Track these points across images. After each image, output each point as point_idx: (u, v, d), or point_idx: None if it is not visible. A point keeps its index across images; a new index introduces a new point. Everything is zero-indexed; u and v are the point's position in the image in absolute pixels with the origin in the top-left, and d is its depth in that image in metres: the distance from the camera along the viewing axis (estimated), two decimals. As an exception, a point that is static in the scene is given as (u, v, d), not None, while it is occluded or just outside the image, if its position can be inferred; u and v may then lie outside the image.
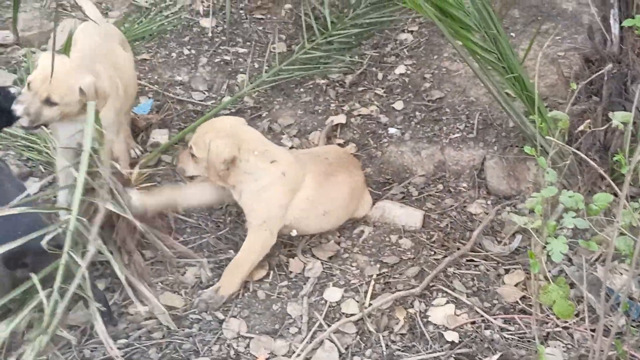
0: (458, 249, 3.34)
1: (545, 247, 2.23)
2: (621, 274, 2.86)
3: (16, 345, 2.66)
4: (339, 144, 3.96)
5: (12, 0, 3.69)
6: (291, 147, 3.93)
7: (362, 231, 3.48)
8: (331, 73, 4.49)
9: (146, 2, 5.07)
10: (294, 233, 3.30)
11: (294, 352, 2.87)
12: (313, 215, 3.29)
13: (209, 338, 2.94)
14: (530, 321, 2.90)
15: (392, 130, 4.03)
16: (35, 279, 2.58)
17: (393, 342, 2.94)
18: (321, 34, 4.53)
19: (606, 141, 3.27)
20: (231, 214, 3.51)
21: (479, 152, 3.78)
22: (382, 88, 4.35)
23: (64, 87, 2.94)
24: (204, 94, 4.40)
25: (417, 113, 4.10)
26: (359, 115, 4.17)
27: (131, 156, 3.67)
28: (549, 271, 2.94)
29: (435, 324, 3.00)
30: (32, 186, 3.26)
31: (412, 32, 4.76)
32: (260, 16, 5.05)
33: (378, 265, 3.28)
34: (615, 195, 2.23)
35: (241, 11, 5.09)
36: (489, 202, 3.62)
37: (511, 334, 2.93)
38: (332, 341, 2.91)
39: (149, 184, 3.41)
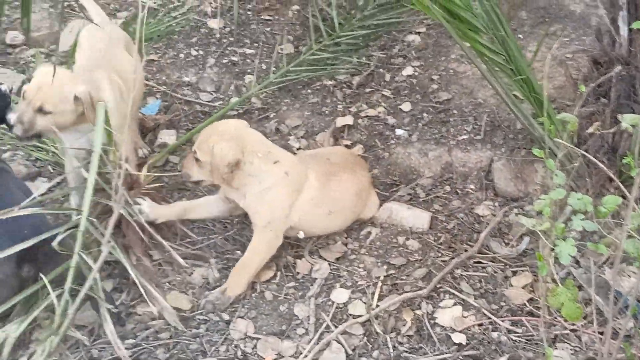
0: (465, 250, 3.33)
1: (553, 249, 2.23)
2: (629, 276, 2.85)
3: (23, 345, 2.68)
4: (346, 145, 3.96)
5: (21, 1, 3.70)
6: (298, 148, 3.94)
7: (370, 232, 3.48)
8: (338, 74, 4.50)
9: (154, 3, 5.08)
10: (301, 235, 3.31)
11: (301, 353, 2.87)
12: (318, 216, 3.29)
13: (216, 339, 2.95)
14: (538, 323, 2.90)
15: (399, 132, 4.03)
16: (45, 279, 2.59)
17: (400, 343, 2.94)
18: (329, 36, 4.53)
19: (614, 143, 3.27)
20: (239, 215, 3.52)
21: (486, 153, 3.78)
22: (390, 89, 4.35)
23: (57, 96, 2.97)
24: (212, 94, 4.41)
25: (425, 114, 4.10)
26: (366, 116, 4.17)
27: (139, 156, 3.68)
28: (557, 273, 2.94)
29: (442, 326, 3.00)
30: (41, 187, 3.29)
31: (419, 33, 4.77)
32: (267, 17, 5.06)
33: (385, 267, 3.28)
34: (624, 197, 2.22)
35: (249, 12, 5.10)
36: (496, 204, 3.61)
37: (518, 336, 2.93)
38: (339, 342, 2.92)
39: (157, 185, 3.41)
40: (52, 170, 3.75)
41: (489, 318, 3.01)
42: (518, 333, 2.95)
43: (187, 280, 3.20)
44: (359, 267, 3.29)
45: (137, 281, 2.77)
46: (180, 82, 4.47)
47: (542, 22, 4.51)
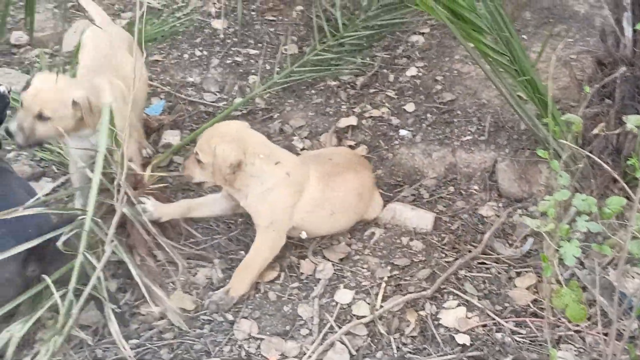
0: (469, 251, 3.33)
1: (558, 250, 2.23)
2: (634, 277, 2.85)
3: (27, 345, 2.68)
4: (350, 146, 3.96)
5: (26, 1, 3.71)
6: (302, 149, 3.94)
7: (373, 233, 3.48)
8: (342, 75, 4.50)
9: (158, 3, 5.09)
10: (304, 235, 3.31)
11: (304, 354, 2.88)
12: (320, 216, 3.29)
13: (220, 339, 2.95)
14: (542, 324, 2.90)
15: (403, 132, 4.03)
16: (48, 280, 2.60)
17: (404, 344, 2.94)
18: (332, 36, 4.54)
19: (619, 144, 3.27)
20: (242, 216, 3.52)
21: (490, 154, 3.78)
22: (394, 90, 4.35)
23: (56, 101, 2.97)
24: (216, 95, 4.42)
25: (429, 115, 4.10)
26: (370, 117, 4.17)
27: (143, 156, 3.68)
28: (561, 275, 2.94)
29: (446, 327, 3.00)
30: (45, 187, 3.30)
31: (423, 34, 4.77)
32: (271, 18, 5.06)
33: (389, 268, 3.28)
34: (629, 198, 2.22)
35: (253, 13, 5.11)
36: (500, 205, 3.61)
37: (522, 337, 2.93)
38: (343, 343, 2.92)
39: (161, 185, 3.42)
40: (56, 170, 3.76)
41: (493, 319, 3.01)
42: (522, 334, 2.95)
43: (191, 281, 3.21)
44: (363, 268, 3.29)
45: (139, 281, 2.77)
46: (184, 83, 4.48)
47: (546, 23, 4.51)
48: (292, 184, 3.20)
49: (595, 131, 2.57)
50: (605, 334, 2.56)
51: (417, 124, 4.07)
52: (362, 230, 3.50)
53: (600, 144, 3.24)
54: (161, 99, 4.32)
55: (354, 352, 2.89)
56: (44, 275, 2.62)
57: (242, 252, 3.33)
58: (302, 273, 3.28)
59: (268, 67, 4.57)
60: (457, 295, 3.13)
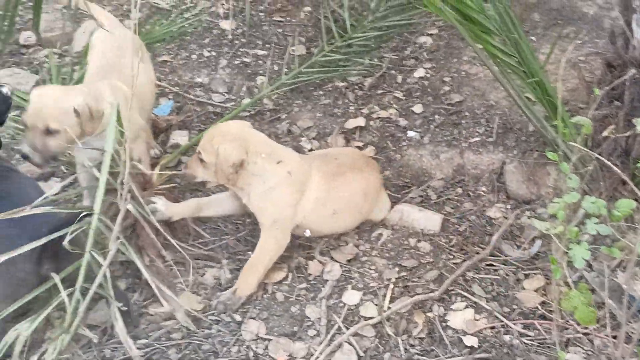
0: (477, 253, 3.33)
1: (567, 252, 2.22)
2: (642, 280, 2.84)
3: (36, 344, 2.69)
4: (358, 147, 3.96)
5: (34, 1, 3.73)
6: (310, 150, 3.94)
7: (381, 234, 3.48)
8: (350, 76, 4.50)
9: (167, 4, 5.10)
10: (307, 233, 3.31)
11: (312, 355, 2.88)
12: (323, 215, 3.30)
13: (228, 339, 2.96)
14: (550, 327, 2.90)
15: (411, 134, 4.03)
16: (57, 278, 2.61)
17: (412, 346, 2.94)
18: (340, 37, 4.53)
19: (628, 147, 3.25)
20: (250, 216, 3.52)
21: (498, 156, 3.77)
22: (402, 91, 4.35)
23: (59, 113, 2.96)
24: (224, 95, 4.42)
25: (437, 116, 4.10)
26: (378, 118, 4.17)
27: (151, 157, 3.69)
28: (569, 277, 2.93)
29: (454, 329, 2.99)
30: (54, 187, 3.30)
31: (431, 35, 4.76)
32: (279, 19, 5.07)
33: (397, 269, 3.28)
34: (638, 201, 2.22)
35: (261, 14, 5.11)
36: (508, 207, 3.60)
37: (531, 340, 2.92)
38: (350, 344, 2.92)
39: (169, 185, 3.42)
40: (65, 170, 3.77)
41: (501, 321, 3.01)
42: (530, 336, 2.94)
43: (199, 281, 3.21)
44: (371, 269, 3.29)
45: (149, 280, 2.78)
46: (193, 83, 4.48)
47: (555, 25, 4.50)
48: (294, 182, 3.21)
49: (605, 133, 2.55)
50: (614, 337, 2.55)
51: (425, 125, 4.06)
52: (369, 231, 3.50)
53: (610, 146, 3.23)
54: (169, 99, 4.32)
55: (361, 354, 2.89)
56: (52, 274, 2.63)
57: (250, 252, 3.33)
58: (309, 274, 3.28)
59: (276, 68, 4.57)
60: (465, 297, 3.13)
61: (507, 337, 2.94)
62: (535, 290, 3.14)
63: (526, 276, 3.22)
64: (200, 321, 3.02)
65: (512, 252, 3.34)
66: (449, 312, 3.06)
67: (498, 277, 3.23)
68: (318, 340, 2.95)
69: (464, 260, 3.29)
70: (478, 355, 2.86)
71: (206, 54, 4.73)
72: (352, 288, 3.19)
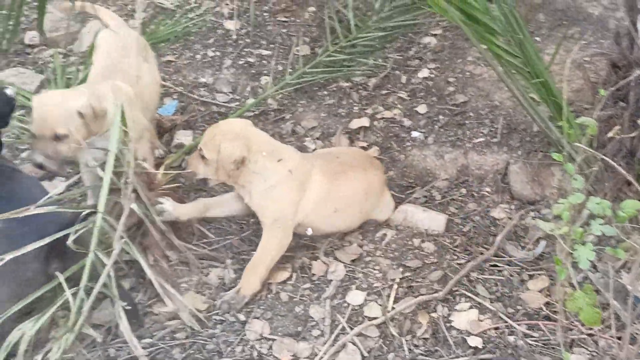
0: (481, 253, 3.32)
1: (571, 253, 2.22)
2: (647, 281, 2.83)
3: (40, 343, 2.70)
4: (362, 147, 3.96)
5: (38, 1, 3.74)
6: (314, 150, 3.94)
7: (385, 234, 3.48)
8: (355, 76, 4.50)
9: (171, 4, 5.11)
10: (309, 232, 3.31)
11: (316, 355, 2.88)
12: (324, 213, 3.30)
13: (232, 339, 2.96)
14: (555, 328, 2.89)
15: (415, 134, 4.02)
16: (61, 277, 2.61)
17: (416, 346, 2.93)
18: (345, 37, 4.53)
19: (633, 147, 3.25)
20: (254, 216, 3.52)
21: (502, 156, 3.77)
22: (406, 91, 4.35)
23: (64, 116, 2.95)
24: (228, 95, 4.43)
25: (441, 117, 4.10)
26: (382, 118, 4.17)
27: (155, 156, 3.69)
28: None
29: (458, 329, 2.99)
30: (59, 186, 3.31)
31: (435, 35, 4.76)
32: (284, 19, 5.07)
33: (401, 269, 3.28)
34: (643, 202, 2.21)
35: (265, 14, 5.11)
36: (512, 207, 3.60)
37: (535, 341, 2.92)
38: (354, 344, 2.92)
39: (174, 185, 3.43)
40: (70, 170, 3.77)
41: (505, 322, 3.00)
42: (534, 337, 2.94)
43: (203, 281, 3.21)
44: (375, 269, 3.29)
45: (153, 280, 2.79)
46: (197, 83, 4.49)
47: (560, 25, 4.49)
48: (295, 181, 3.22)
49: (610, 134, 2.55)
50: (619, 338, 2.55)
51: (429, 126, 4.06)
52: (373, 231, 3.50)
53: (615, 147, 3.22)
54: (174, 99, 4.33)
55: (365, 354, 2.89)
56: (57, 273, 2.64)
57: (254, 252, 3.33)
58: (313, 274, 3.28)
59: (280, 68, 4.57)
60: (469, 297, 3.13)
61: (511, 338, 2.93)
62: (540, 291, 3.13)
63: (530, 277, 3.22)
64: (205, 321, 3.02)
65: (516, 252, 3.34)
66: (453, 313, 3.06)
67: (502, 278, 3.23)
68: (322, 341, 2.95)
69: (468, 261, 3.28)
70: (482, 356, 2.86)
71: (210, 54, 4.73)
72: (356, 288, 3.19)
